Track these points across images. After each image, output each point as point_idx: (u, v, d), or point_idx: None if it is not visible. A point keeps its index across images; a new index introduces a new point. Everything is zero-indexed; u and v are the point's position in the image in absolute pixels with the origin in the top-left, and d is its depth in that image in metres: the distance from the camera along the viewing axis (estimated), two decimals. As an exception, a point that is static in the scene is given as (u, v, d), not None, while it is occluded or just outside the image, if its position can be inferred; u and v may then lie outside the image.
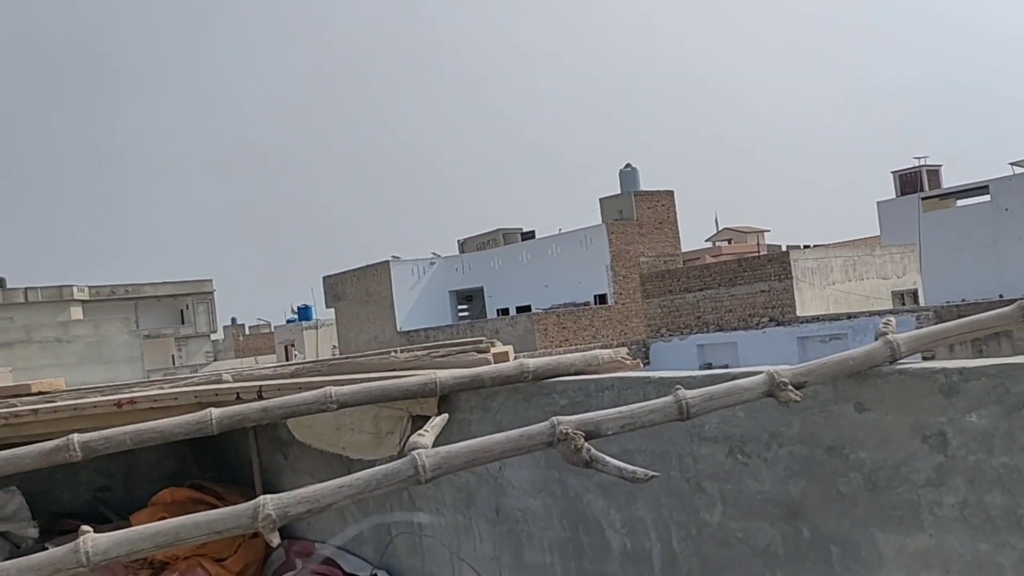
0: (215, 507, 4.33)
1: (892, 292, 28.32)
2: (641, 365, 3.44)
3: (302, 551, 4.35)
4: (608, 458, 2.14)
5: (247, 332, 66.42)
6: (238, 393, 3.49)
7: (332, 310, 48.37)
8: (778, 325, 24.97)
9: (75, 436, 2.72)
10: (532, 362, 3.25)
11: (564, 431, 2.12)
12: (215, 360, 55.67)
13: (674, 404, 2.23)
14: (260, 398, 3.47)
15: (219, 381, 3.71)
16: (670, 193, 42.60)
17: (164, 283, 55.55)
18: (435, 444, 2.23)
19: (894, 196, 43.08)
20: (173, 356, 54.64)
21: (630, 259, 40.08)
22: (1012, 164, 40.60)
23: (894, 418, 2.29)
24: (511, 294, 43.92)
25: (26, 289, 50.65)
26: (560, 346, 33.94)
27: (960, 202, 42.02)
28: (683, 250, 48.26)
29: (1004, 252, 37.22)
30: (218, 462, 5.06)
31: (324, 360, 4.11)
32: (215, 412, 2.84)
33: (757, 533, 2.63)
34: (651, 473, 2.14)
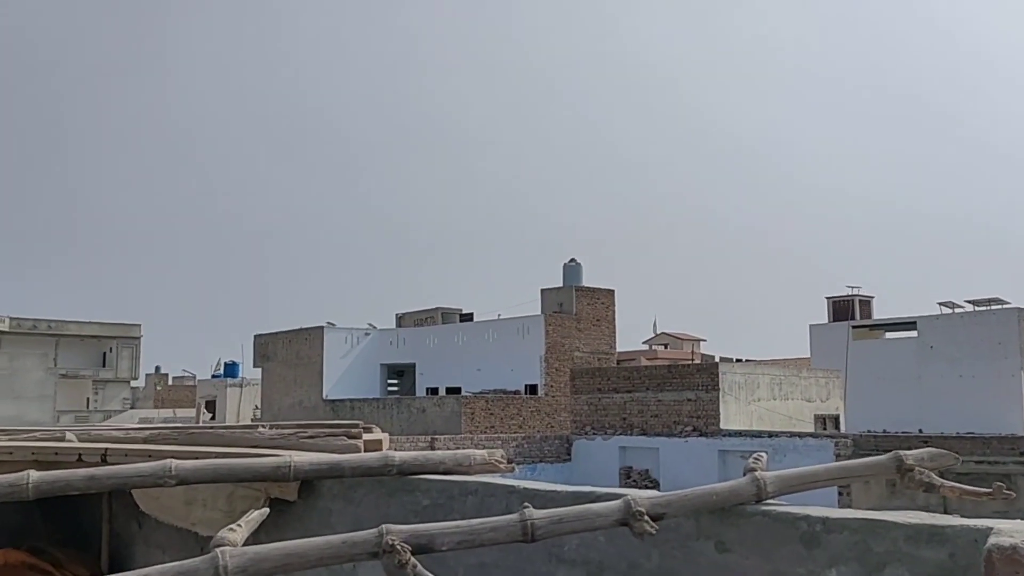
0: (50, 575, 3.97)
1: (815, 415, 28.63)
2: (515, 469, 3.25)
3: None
4: (435, 579, 1.93)
5: (170, 382, 64.48)
6: (80, 454, 3.21)
7: (259, 370, 47.26)
8: (701, 435, 24.97)
9: None
10: (399, 455, 3.04)
11: (391, 542, 1.91)
12: (132, 407, 53.77)
13: (518, 524, 2.05)
14: (104, 462, 3.19)
15: (62, 439, 3.42)
16: (611, 292, 43.03)
17: (90, 323, 53.83)
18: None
19: (827, 321, 44.11)
20: (88, 399, 52.63)
21: (565, 352, 40.12)
22: (940, 304, 42.00)
23: (754, 563, 2.14)
24: (443, 374, 43.49)
25: (-59, 314, 48.75)
26: (485, 432, 33.50)
27: (889, 334, 43.18)
28: (620, 350, 48.53)
29: (927, 387, 38.13)
30: (70, 524, 4.68)
31: (184, 427, 3.84)
32: (33, 475, 2.56)
33: (606, 672, 2.42)
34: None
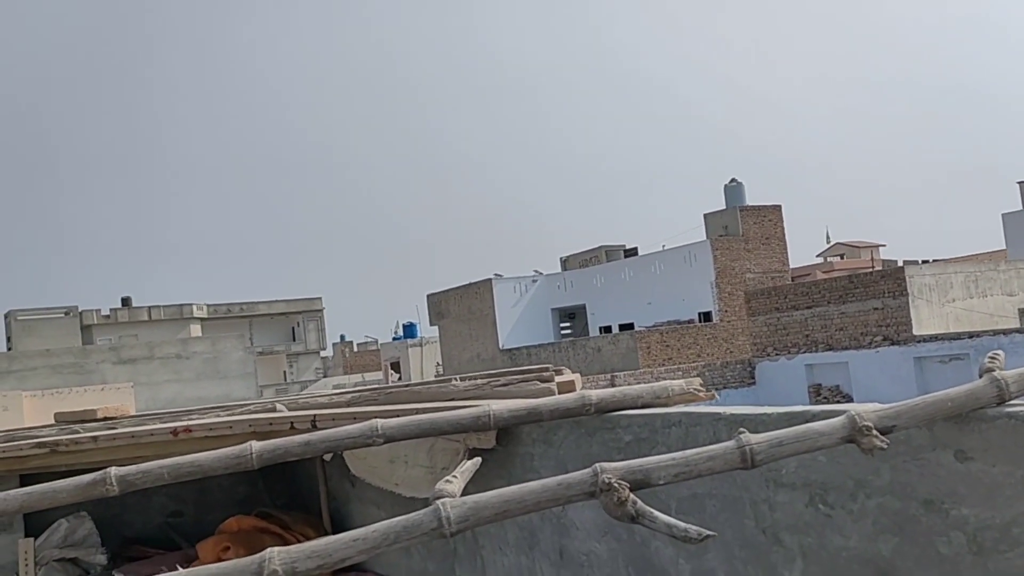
0: (280, 536, 4.22)
1: (1019, 310, 26.53)
2: (716, 397, 3.14)
3: (367, 585, 4.19)
4: (657, 513, 1.88)
5: (355, 349, 67.82)
6: (292, 423, 3.36)
7: (436, 328, 48.85)
8: (892, 344, 23.69)
9: (112, 470, 2.63)
10: (595, 394, 3.00)
11: (607, 481, 1.87)
12: (324, 376, 57.03)
13: (736, 451, 1.95)
14: (314, 428, 3.33)
15: (274, 410, 3.60)
16: (777, 208, 41.39)
17: (276, 301, 57.36)
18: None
19: (1021, 207, 40.70)
20: (285, 372, 56.29)
21: (736, 276, 39.05)
22: None
23: (1002, 470, 1.95)
24: (614, 311, 43.40)
25: (150, 308, 53.18)
26: (663, 364, 33.27)
27: (1095, 213, 39.37)
28: (792, 266, 46.75)
29: None
30: (289, 489, 4.98)
31: (382, 388, 3.95)
32: (255, 446, 2.70)
33: (842, 595, 2.30)
34: (706, 533, 1.86)
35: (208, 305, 55.46)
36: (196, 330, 50.39)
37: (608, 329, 42.55)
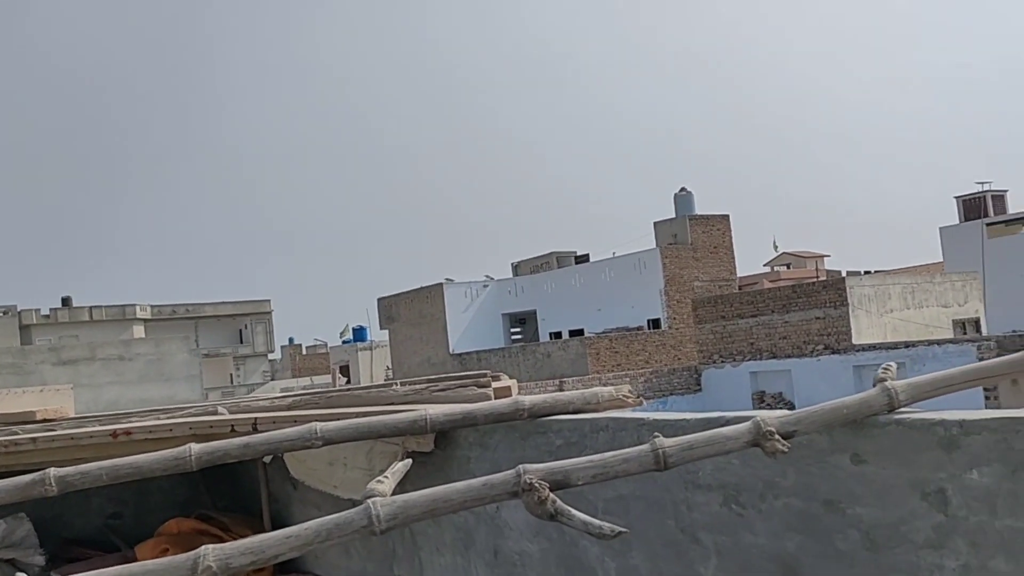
0: (219, 539, 4.27)
1: (953, 321, 27.39)
2: (643, 402, 3.29)
3: (307, 586, 4.26)
4: (574, 512, 2.01)
5: (304, 352, 67.23)
6: (232, 426, 3.43)
7: (386, 331, 48.68)
8: (833, 353, 24.30)
9: (51, 471, 2.68)
10: (528, 399, 3.12)
11: (529, 481, 1.99)
12: (272, 379, 56.44)
13: (650, 453, 2.09)
14: (255, 430, 3.40)
15: (215, 413, 3.66)
16: (725, 217, 42.08)
17: (223, 303, 56.61)
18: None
19: (957, 222, 41.96)
20: (231, 375, 55.60)
21: (684, 283, 39.61)
22: (1083, 188, 39.29)
23: (892, 472, 2.12)
24: (564, 317, 43.70)
25: (91, 308, 52.13)
26: (612, 371, 33.58)
27: (1027, 228, 40.73)
28: (741, 275, 47.51)
29: (1075, 279, 35.89)
30: (231, 492, 5.02)
31: (323, 392, 4.04)
32: (195, 447, 2.77)
33: (752, 590, 2.46)
34: (619, 529, 2.00)
35: (152, 306, 54.55)
36: (139, 331, 49.55)
37: (558, 335, 42.83)
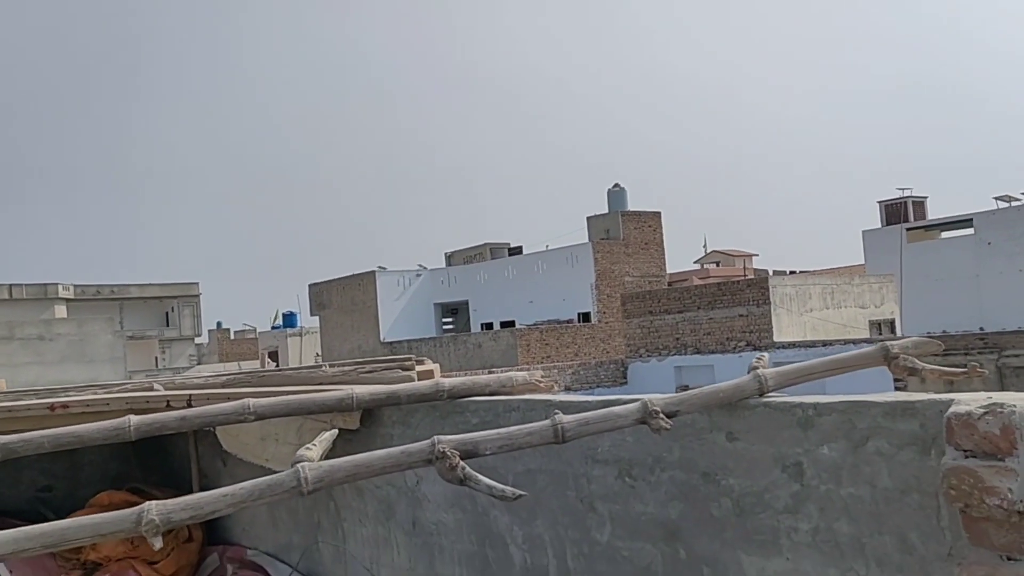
0: (151, 511, 4.44)
1: (869, 321, 28.56)
2: (555, 387, 3.58)
3: (234, 556, 4.46)
4: (481, 477, 2.27)
5: (232, 337, 66.29)
6: (168, 401, 3.61)
7: (317, 318, 48.39)
8: (754, 350, 25.15)
9: (-6, 437, 2.84)
10: (448, 381, 3.38)
11: (441, 450, 2.25)
12: (199, 363, 55.55)
13: (550, 428, 2.37)
14: (190, 406, 3.58)
15: (151, 389, 3.84)
16: (657, 214, 42.90)
17: (150, 285, 55.50)
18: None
19: (880, 226, 43.48)
20: (156, 358, 54.54)
21: (615, 278, 40.31)
22: (996, 198, 41.05)
23: (759, 448, 2.43)
24: (496, 309, 44.04)
25: (11, 286, 50.57)
26: (542, 362, 34.07)
27: (944, 234, 42.44)
28: (672, 271, 48.45)
29: (986, 285, 37.59)
30: (162, 466, 5.17)
31: (255, 372, 4.24)
32: (134, 419, 2.96)
33: (640, 552, 2.77)
34: (519, 492, 2.27)
35: (75, 286, 53.17)
36: (61, 311, 48.27)
37: (490, 326, 43.16)
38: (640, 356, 29.21)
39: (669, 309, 28.78)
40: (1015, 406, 1.85)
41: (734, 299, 26.76)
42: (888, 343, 2.43)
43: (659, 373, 27.79)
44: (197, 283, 56.63)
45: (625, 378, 29.23)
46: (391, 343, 41.74)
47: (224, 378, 4.06)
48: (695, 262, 62.16)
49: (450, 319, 47.44)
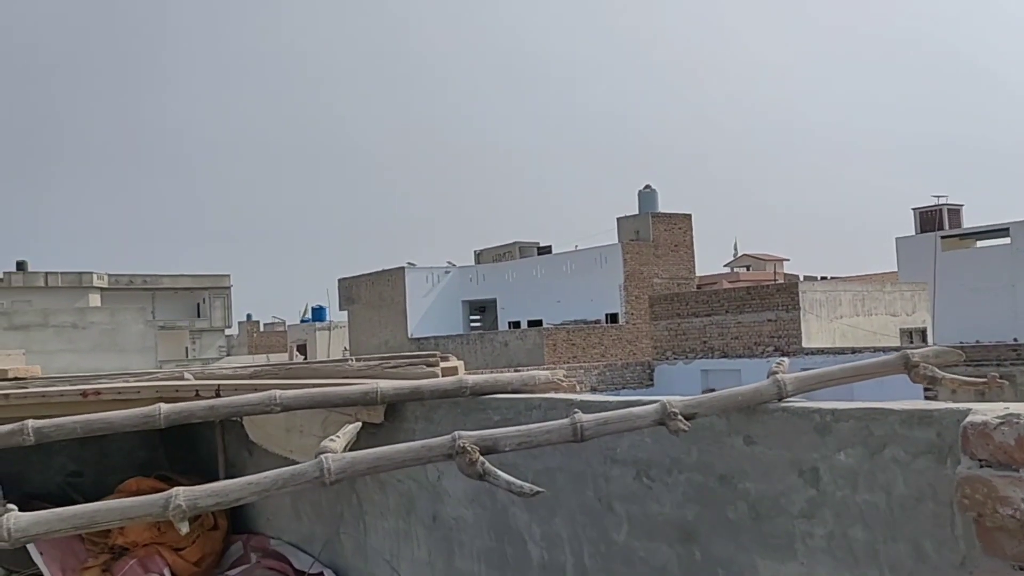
0: (178, 498, 4.53)
1: (900, 329, 28.24)
2: (578, 387, 3.61)
3: (258, 545, 4.54)
4: (500, 472, 2.31)
5: (261, 329, 66.93)
6: (197, 391, 3.69)
7: (345, 312, 48.70)
8: (783, 355, 24.90)
9: (30, 422, 2.92)
10: (471, 378, 3.42)
11: (462, 445, 2.29)
12: (228, 355, 56.15)
13: (569, 427, 2.40)
14: (218, 395, 3.66)
15: (180, 379, 3.92)
16: (687, 216, 42.68)
17: (182, 276, 56.19)
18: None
19: (914, 233, 42.95)
20: (187, 348, 55.21)
21: (644, 280, 40.17)
22: (1033, 207, 40.36)
23: (776, 452, 2.45)
24: (524, 307, 44.06)
25: (47, 274, 51.46)
26: (568, 362, 34.04)
27: (980, 243, 41.83)
28: (702, 274, 48.17)
29: (1021, 295, 37.00)
30: (188, 455, 5.26)
31: (283, 364, 4.31)
32: (164, 407, 3.03)
33: (656, 553, 2.79)
34: (536, 488, 2.30)
35: (109, 275, 53.95)
36: (95, 300, 49.00)
37: (517, 324, 43.20)
38: (667, 359, 29.10)
39: (697, 312, 28.65)
40: (1032, 417, 1.86)
41: (763, 303, 26.59)
42: (908, 351, 2.43)
43: (686, 376, 27.66)
44: (228, 275, 57.26)
45: (652, 380, 29.12)
46: (418, 339, 41.92)
47: (252, 370, 4.13)
48: (725, 265, 61.76)
49: (478, 317, 47.55)
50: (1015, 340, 28.86)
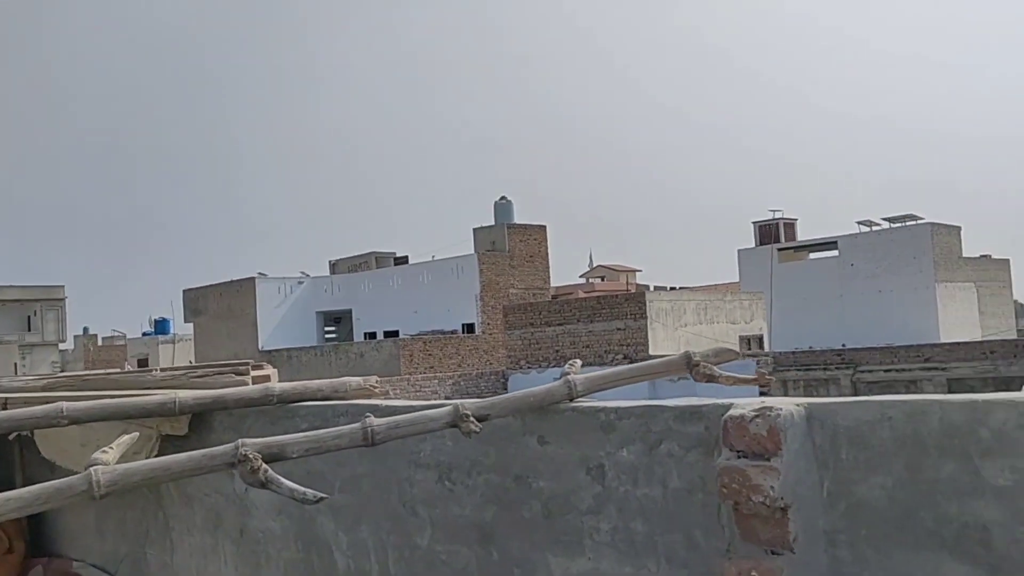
0: (-33, 521, 4.20)
1: (740, 337, 29.67)
2: (390, 392, 3.58)
3: (59, 568, 4.26)
4: (283, 480, 2.25)
5: (100, 343, 63.40)
6: (-20, 404, 3.43)
7: (191, 325, 46.84)
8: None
9: None
10: (279, 386, 3.34)
11: (244, 453, 2.22)
12: (62, 370, 52.85)
13: (360, 430, 2.37)
14: (4, 409, 3.42)
15: (-37, 391, 3.64)
16: (543, 228, 43.43)
17: (10, 287, 52.55)
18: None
19: (754, 245, 45.27)
20: (16, 364, 51.60)
21: (500, 290, 40.56)
22: (859, 223, 43.35)
23: (567, 451, 2.50)
24: (380, 318, 43.63)
25: None
26: (424, 372, 33.91)
27: (812, 255, 44.55)
28: (558, 284, 49.04)
29: (848, 304, 39.63)
30: (-15, 475, 4.89)
31: (80, 375, 4.08)
32: (-69, 422, 2.80)
33: (457, 555, 2.79)
34: (320, 495, 2.26)
35: (-71, 286, 49.88)
36: (-88, 313, 45.21)
37: (373, 335, 42.73)
38: (520, 368, 29.47)
39: (550, 321, 29.17)
40: (782, 410, 1.97)
41: (612, 313, 27.35)
42: (690, 351, 2.54)
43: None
44: (62, 286, 53.98)
45: (505, 389, 29.41)
46: (270, 351, 40.76)
47: (44, 382, 3.88)
48: (581, 276, 63.16)
49: (333, 328, 46.73)
50: (842, 346, 30.84)
